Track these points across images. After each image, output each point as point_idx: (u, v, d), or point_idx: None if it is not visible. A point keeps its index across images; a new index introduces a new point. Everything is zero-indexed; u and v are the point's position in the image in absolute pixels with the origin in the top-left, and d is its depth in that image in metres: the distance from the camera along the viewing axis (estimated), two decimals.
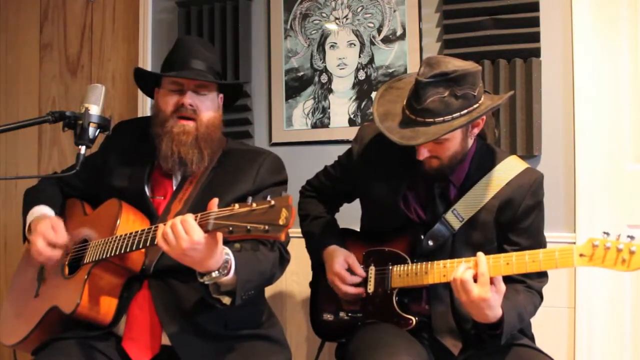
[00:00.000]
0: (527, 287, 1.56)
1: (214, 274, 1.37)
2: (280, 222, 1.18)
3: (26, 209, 1.75)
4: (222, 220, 1.26)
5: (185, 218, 1.30)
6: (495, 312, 1.41)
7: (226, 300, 1.45)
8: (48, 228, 1.58)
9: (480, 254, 1.43)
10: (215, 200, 1.32)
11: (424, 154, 1.51)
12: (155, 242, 1.36)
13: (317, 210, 1.87)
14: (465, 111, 1.45)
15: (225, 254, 1.39)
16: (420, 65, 1.48)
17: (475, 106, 1.46)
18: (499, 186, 1.58)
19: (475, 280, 1.40)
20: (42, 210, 1.70)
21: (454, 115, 1.44)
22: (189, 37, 1.73)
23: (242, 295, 1.45)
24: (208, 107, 1.68)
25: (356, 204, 1.84)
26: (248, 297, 1.48)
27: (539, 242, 1.58)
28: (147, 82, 1.80)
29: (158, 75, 1.73)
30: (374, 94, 2.35)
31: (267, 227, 1.19)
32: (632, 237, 1.29)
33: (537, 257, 1.40)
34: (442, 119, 1.44)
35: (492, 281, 1.39)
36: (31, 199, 1.78)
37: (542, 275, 1.60)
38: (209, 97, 1.69)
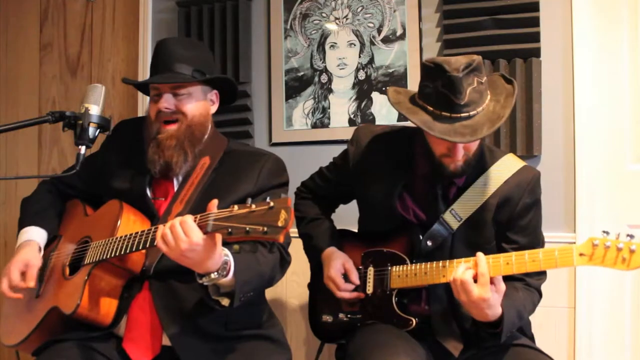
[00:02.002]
0: (525, 285, 1.57)
1: (213, 275, 1.37)
2: (279, 224, 1.18)
3: (21, 223, 1.76)
4: (221, 221, 1.26)
5: (184, 219, 1.30)
6: (495, 311, 1.41)
7: (225, 302, 1.45)
8: (16, 269, 1.60)
9: (479, 254, 1.43)
10: (215, 202, 1.32)
11: (461, 152, 1.49)
12: (155, 244, 1.37)
13: (313, 211, 1.87)
14: (489, 96, 1.48)
15: (224, 255, 1.39)
16: (431, 67, 1.46)
17: (489, 91, 1.49)
18: (497, 185, 1.58)
19: (475, 281, 1.40)
20: (31, 235, 1.71)
21: (486, 102, 1.47)
22: (168, 40, 1.70)
23: (240, 296, 1.45)
24: (191, 106, 1.66)
25: (353, 205, 1.83)
26: (247, 299, 1.48)
27: (537, 240, 1.59)
28: (143, 88, 1.83)
29: (135, 83, 1.77)
30: (374, 94, 2.36)
31: (265, 229, 1.19)
32: (631, 236, 1.29)
33: (537, 256, 1.40)
34: (481, 107, 1.45)
35: (492, 281, 1.39)
36: (26, 213, 1.78)
37: (541, 273, 1.60)
38: (191, 96, 1.67)
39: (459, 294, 1.42)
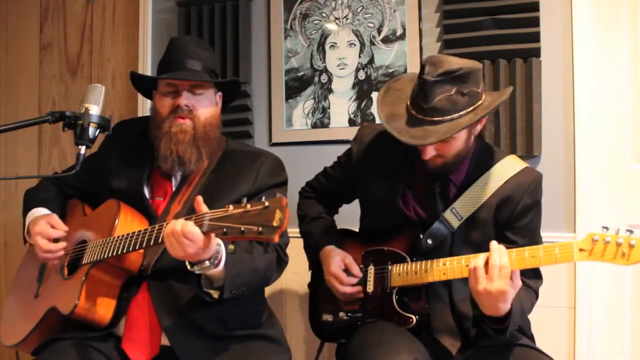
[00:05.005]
0: (525, 286, 1.56)
1: (206, 263, 1.38)
2: (274, 224, 1.18)
3: (25, 210, 1.76)
4: (217, 221, 1.26)
5: (188, 229, 1.30)
6: (507, 306, 1.41)
7: (216, 295, 1.46)
8: (45, 225, 1.62)
9: (502, 247, 1.41)
10: (200, 199, 1.33)
11: (430, 153, 1.51)
12: (160, 241, 1.39)
13: (315, 211, 1.88)
14: (471, 108, 1.46)
15: (216, 244, 1.39)
16: (422, 64, 1.48)
17: (479, 103, 1.47)
18: (498, 185, 1.58)
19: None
20: (39, 212, 1.72)
21: (461, 113, 1.45)
22: (183, 37, 1.72)
23: (231, 289, 1.45)
24: (205, 106, 1.68)
25: (355, 204, 1.84)
26: (240, 293, 1.49)
27: (535, 241, 1.58)
28: (144, 84, 1.80)
29: (153, 78, 1.72)
30: (374, 94, 2.36)
31: (260, 229, 1.19)
32: (631, 231, 1.29)
33: (537, 252, 1.39)
34: (450, 117, 1.44)
35: (510, 276, 1.38)
36: (30, 200, 1.79)
37: (538, 277, 1.61)
38: (205, 96, 1.68)
39: (479, 279, 1.38)
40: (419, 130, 1.45)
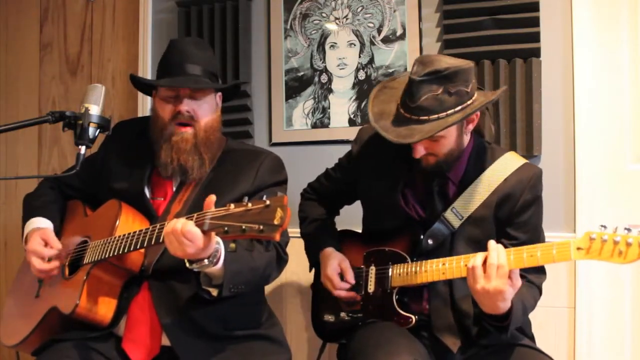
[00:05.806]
0: (527, 282, 1.56)
1: (204, 262, 1.38)
2: (275, 222, 1.18)
3: (24, 217, 1.76)
4: (218, 220, 1.27)
5: (188, 229, 1.30)
6: (507, 304, 1.41)
7: (215, 292, 1.46)
8: (39, 244, 1.60)
9: (500, 246, 1.42)
10: (213, 197, 1.33)
11: (420, 151, 1.52)
12: (152, 243, 1.38)
13: (316, 212, 1.88)
14: (459, 107, 1.46)
15: (216, 242, 1.39)
16: (413, 64, 1.49)
17: (468, 102, 1.48)
18: (498, 182, 1.58)
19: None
20: (35, 224, 1.71)
21: (448, 112, 1.45)
22: (182, 39, 1.72)
23: (230, 287, 1.46)
24: (206, 111, 1.68)
25: (356, 205, 1.84)
26: (239, 291, 1.49)
27: (537, 237, 1.59)
28: (144, 84, 1.80)
29: (153, 84, 1.72)
30: None
31: (261, 227, 1.19)
32: (628, 230, 1.29)
33: (534, 252, 1.39)
34: (436, 116, 1.45)
35: (509, 275, 1.38)
36: (29, 207, 1.78)
37: (541, 272, 1.60)
38: (206, 101, 1.68)
39: (477, 278, 1.39)
40: (405, 129, 1.47)
